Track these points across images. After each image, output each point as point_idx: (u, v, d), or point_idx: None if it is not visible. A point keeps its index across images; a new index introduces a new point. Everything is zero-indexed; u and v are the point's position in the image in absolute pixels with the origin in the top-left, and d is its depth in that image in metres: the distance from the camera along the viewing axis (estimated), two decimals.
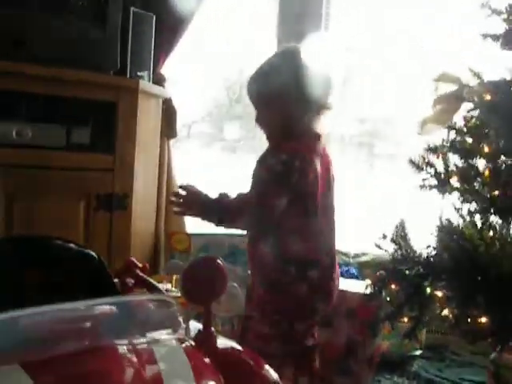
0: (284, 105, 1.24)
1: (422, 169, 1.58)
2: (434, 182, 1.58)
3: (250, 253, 1.29)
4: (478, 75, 1.30)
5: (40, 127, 1.63)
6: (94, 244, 1.68)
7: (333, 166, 1.32)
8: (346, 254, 2.12)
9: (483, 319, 1.14)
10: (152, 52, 1.88)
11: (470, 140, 1.38)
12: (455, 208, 1.54)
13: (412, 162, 1.57)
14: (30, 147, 1.61)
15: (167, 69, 2.08)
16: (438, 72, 1.38)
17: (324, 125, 1.28)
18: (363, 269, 2.02)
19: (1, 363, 0.71)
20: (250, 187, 1.24)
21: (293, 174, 1.18)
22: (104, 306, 0.85)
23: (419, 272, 1.48)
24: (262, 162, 1.22)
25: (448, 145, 1.49)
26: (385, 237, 1.62)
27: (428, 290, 1.32)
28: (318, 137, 1.27)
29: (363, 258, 2.07)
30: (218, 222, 1.25)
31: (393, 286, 1.60)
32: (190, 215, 1.35)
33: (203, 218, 1.27)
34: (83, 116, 1.72)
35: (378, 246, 1.65)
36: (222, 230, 1.30)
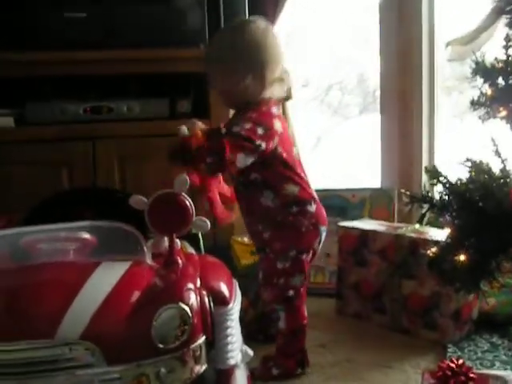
0: (235, 73, 1.36)
1: None
2: None
3: (248, 207, 1.44)
4: None
5: (147, 102, 1.93)
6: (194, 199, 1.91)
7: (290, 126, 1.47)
8: None
9: None
10: None
11: None
12: None
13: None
14: (140, 120, 1.92)
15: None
16: None
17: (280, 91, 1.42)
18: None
19: None
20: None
21: (257, 141, 1.32)
22: (82, 232, 1.06)
23: None
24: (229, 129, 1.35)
25: None
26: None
27: None
28: (272, 102, 1.39)
29: None
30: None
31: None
32: None
33: None
34: (184, 88, 1.96)
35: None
36: None
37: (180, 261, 1.06)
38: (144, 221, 1.34)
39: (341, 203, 2.05)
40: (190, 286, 0.96)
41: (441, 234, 1.60)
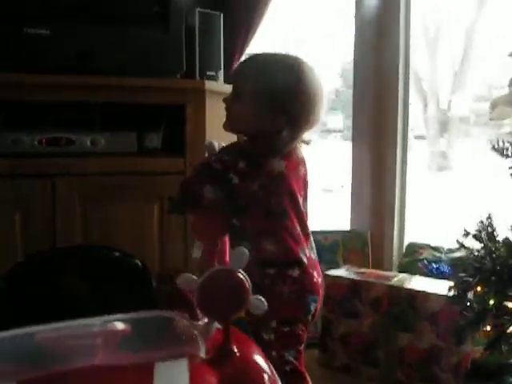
0: (272, 112, 1.16)
1: (508, 155, 1.41)
2: None
3: None
4: None
5: (112, 135, 1.70)
6: (168, 245, 1.72)
7: (306, 172, 1.28)
8: (437, 249, 1.95)
9: None
10: (222, 51, 1.87)
11: None
12: None
13: (495, 148, 1.41)
14: (104, 155, 1.69)
15: None
16: None
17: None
18: (456, 267, 1.84)
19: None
20: None
21: (230, 174, 1.15)
22: (118, 323, 0.86)
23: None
24: (222, 155, 1.20)
25: None
26: (467, 234, 1.47)
27: None
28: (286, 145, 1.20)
29: (457, 254, 1.88)
30: None
31: (479, 289, 1.45)
32: None
33: None
34: (153, 121, 1.77)
35: (461, 244, 1.51)
36: None
37: (237, 351, 0.90)
38: (155, 293, 1.17)
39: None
40: None
41: (438, 287, 1.59)
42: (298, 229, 1.21)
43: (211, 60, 1.85)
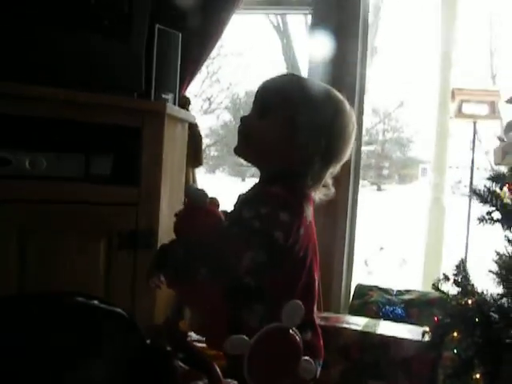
0: (313, 140, 1.01)
1: (487, 201, 1.42)
2: (498, 215, 1.44)
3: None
4: None
5: (56, 157, 1.46)
6: (116, 287, 1.50)
7: None
8: (387, 291, 1.93)
9: None
10: (178, 73, 1.72)
11: None
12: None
13: (477, 192, 1.42)
14: (45, 179, 1.44)
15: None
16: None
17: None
18: (409, 308, 1.83)
19: None
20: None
21: (274, 233, 0.94)
22: None
23: (494, 320, 1.31)
24: (258, 208, 0.95)
25: None
26: (447, 278, 1.46)
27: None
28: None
29: (407, 296, 1.87)
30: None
31: (455, 334, 1.43)
32: None
33: None
34: (103, 144, 1.55)
35: (438, 289, 1.49)
36: None
37: None
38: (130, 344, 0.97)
39: None
40: None
41: (409, 331, 1.55)
42: (317, 283, 1.06)
43: (167, 82, 1.68)
